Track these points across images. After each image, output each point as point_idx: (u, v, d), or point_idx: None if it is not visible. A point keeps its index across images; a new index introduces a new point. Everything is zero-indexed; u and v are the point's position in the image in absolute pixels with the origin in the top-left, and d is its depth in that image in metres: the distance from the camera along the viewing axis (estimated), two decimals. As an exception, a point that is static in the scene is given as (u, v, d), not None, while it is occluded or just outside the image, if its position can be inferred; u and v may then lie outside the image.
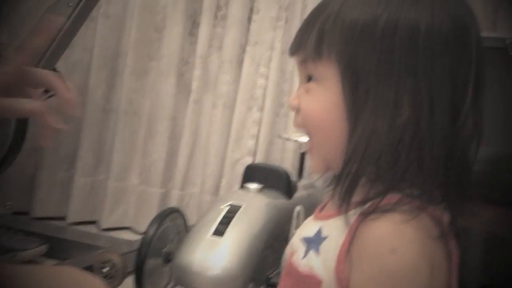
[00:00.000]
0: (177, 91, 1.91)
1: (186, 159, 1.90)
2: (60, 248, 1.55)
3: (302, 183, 1.48)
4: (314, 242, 0.48)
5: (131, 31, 1.89)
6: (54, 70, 1.58)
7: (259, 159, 1.85)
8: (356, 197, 0.46)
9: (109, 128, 1.93)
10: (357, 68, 0.45)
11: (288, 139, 1.62)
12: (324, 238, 0.48)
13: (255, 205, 1.13)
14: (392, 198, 0.44)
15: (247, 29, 1.88)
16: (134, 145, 1.93)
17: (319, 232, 0.49)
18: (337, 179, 0.48)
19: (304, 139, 1.67)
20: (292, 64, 1.86)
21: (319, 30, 0.47)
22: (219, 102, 1.88)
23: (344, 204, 0.46)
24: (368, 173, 0.45)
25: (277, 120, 1.89)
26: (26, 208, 1.88)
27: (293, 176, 1.42)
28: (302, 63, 0.50)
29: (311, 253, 0.48)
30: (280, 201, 1.24)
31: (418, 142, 0.44)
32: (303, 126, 0.50)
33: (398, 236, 0.42)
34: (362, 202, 0.45)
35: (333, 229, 0.48)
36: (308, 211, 1.40)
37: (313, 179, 1.77)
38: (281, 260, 1.28)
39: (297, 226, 1.35)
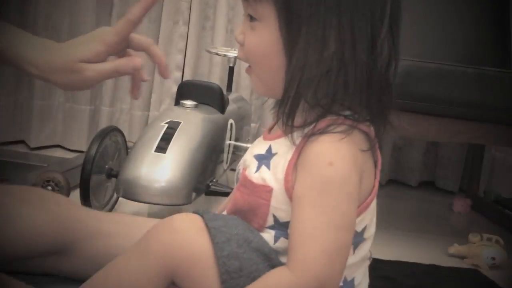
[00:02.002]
0: (98, 6, 1.84)
1: (113, 75, 1.88)
2: (-8, 170, 1.54)
3: (232, 97, 1.56)
4: (265, 158, 0.56)
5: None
6: None
7: (187, 74, 1.88)
8: (298, 121, 0.54)
9: (28, 44, 1.84)
10: (291, 8, 0.52)
11: (216, 54, 1.66)
12: (274, 154, 0.56)
13: (193, 121, 1.21)
14: (328, 120, 0.53)
15: None
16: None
17: (269, 149, 0.57)
18: (279, 104, 0.56)
19: (232, 53, 1.73)
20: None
21: None
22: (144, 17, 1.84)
23: (288, 125, 0.54)
24: (305, 99, 0.53)
25: (204, 33, 1.91)
26: None
27: (224, 89, 1.49)
28: (245, 1, 0.56)
29: (263, 167, 0.56)
30: (215, 115, 1.31)
31: (344, 69, 0.52)
32: (247, 59, 0.57)
33: (334, 151, 0.52)
34: (304, 125, 0.54)
35: (281, 146, 0.56)
36: (238, 122, 1.50)
37: (240, 93, 1.86)
38: (216, 169, 1.39)
39: (231, 137, 1.45)
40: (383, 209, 0.58)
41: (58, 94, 1.89)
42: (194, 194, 1.12)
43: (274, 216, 0.55)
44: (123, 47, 0.65)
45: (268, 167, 0.56)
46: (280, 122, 0.57)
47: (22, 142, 1.88)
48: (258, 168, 0.56)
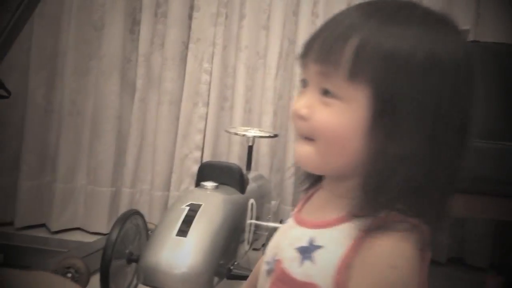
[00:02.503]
0: (121, 90, 1.91)
1: (135, 157, 1.92)
2: (12, 255, 1.54)
3: (251, 175, 1.56)
4: (308, 251, 0.50)
5: (69, 30, 1.87)
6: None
7: (207, 153, 1.91)
8: (354, 209, 0.49)
9: (53, 129, 1.91)
10: (392, 96, 0.47)
11: (235, 134, 1.68)
12: (319, 247, 0.50)
13: (213, 203, 1.20)
14: (391, 216, 0.48)
15: (188, 26, 1.91)
16: (79, 146, 1.92)
17: (311, 241, 0.51)
18: (351, 192, 0.50)
19: (251, 133, 1.75)
20: (234, 59, 1.92)
21: (356, 53, 0.48)
22: (165, 99, 1.91)
23: (365, 216, 0.48)
24: (386, 188, 0.48)
25: (222, 114, 1.95)
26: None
27: (243, 167, 1.50)
28: (320, 75, 0.50)
29: (307, 262, 0.50)
30: (235, 196, 1.31)
31: (436, 165, 0.48)
32: (311, 134, 0.51)
33: (399, 253, 0.47)
34: (360, 216, 0.49)
35: (329, 239, 0.50)
36: (259, 201, 1.49)
37: (259, 172, 1.86)
38: (238, 250, 1.36)
39: (252, 217, 1.43)
40: None
41: (80, 176, 1.92)
42: (216, 279, 1.09)
43: None
44: None
45: (312, 261, 0.50)
46: (321, 205, 0.54)
47: (43, 225, 1.89)
48: (302, 263, 0.51)
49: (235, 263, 1.22)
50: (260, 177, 1.70)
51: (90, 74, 1.91)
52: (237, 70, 1.92)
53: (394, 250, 0.48)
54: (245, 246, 1.36)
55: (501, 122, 1.25)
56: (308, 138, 0.51)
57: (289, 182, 1.93)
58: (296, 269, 0.51)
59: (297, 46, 1.86)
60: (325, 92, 0.50)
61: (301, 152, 0.52)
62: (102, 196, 1.90)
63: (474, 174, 1.20)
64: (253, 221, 1.42)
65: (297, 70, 1.88)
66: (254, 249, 1.49)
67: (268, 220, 1.55)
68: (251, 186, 1.45)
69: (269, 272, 0.55)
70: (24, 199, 1.85)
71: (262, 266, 0.57)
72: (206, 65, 1.90)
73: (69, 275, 1.18)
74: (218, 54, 1.89)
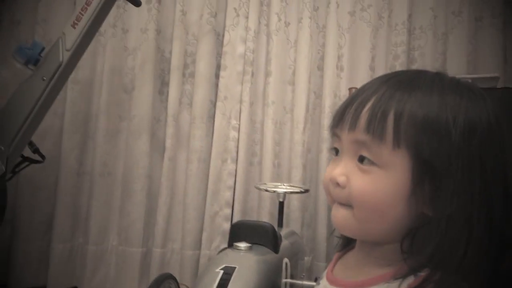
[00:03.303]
0: (151, 149, 1.94)
1: (165, 216, 1.91)
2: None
3: (283, 232, 1.53)
4: None
5: (101, 94, 1.93)
6: (31, 142, 1.59)
7: (237, 210, 1.89)
8: (391, 270, 0.49)
9: (84, 191, 1.93)
10: (434, 161, 0.48)
11: (266, 190, 1.67)
12: None
13: (247, 265, 1.17)
14: (430, 276, 0.47)
15: (215, 85, 1.95)
16: (111, 206, 1.93)
17: None
18: (391, 254, 0.50)
19: (281, 189, 1.73)
20: (261, 114, 1.94)
21: (396, 122, 0.49)
22: (194, 157, 1.92)
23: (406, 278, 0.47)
24: (407, 250, 0.48)
25: (251, 169, 1.95)
26: (4, 281, 1.83)
27: (274, 224, 1.47)
28: (357, 143, 0.51)
29: None
30: (269, 256, 1.28)
31: (487, 230, 0.47)
32: (347, 201, 0.51)
33: None
34: (397, 276, 0.48)
35: None
36: (292, 259, 1.45)
37: (291, 227, 1.83)
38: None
39: (286, 276, 1.39)
40: None
41: (111, 237, 1.92)
42: None
43: None
44: None
45: None
46: (357, 264, 0.53)
47: (75, 288, 1.88)
48: None
49: (272, 326, 1.18)
50: (292, 233, 1.66)
51: (121, 135, 1.95)
52: (265, 125, 1.93)
53: None
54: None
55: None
56: (346, 205, 0.51)
57: (322, 238, 1.88)
58: None
59: (323, 99, 1.87)
60: (362, 159, 0.50)
61: (339, 217, 0.52)
62: (133, 256, 1.89)
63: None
64: (288, 280, 1.38)
65: (325, 123, 1.88)
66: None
67: (302, 278, 1.50)
68: (284, 244, 1.42)
69: None
70: (57, 262, 1.85)
71: None
72: (234, 122, 1.92)
73: None
74: (245, 111, 1.91)
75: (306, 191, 1.70)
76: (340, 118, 0.53)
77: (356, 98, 0.53)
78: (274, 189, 1.64)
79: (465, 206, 0.47)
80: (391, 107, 0.49)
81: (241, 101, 1.92)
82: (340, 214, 0.52)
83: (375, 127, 0.49)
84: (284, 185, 1.69)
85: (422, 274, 0.47)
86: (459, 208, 0.47)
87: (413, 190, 0.48)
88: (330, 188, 0.53)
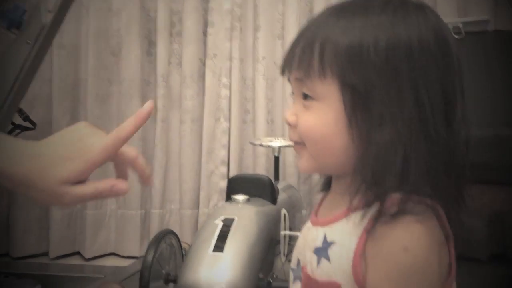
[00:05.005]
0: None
1: (161, 177, 1.92)
2: (50, 285, 1.54)
3: (281, 186, 1.54)
4: (322, 250, 0.50)
5: (88, 58, 1.89)
6: (20, 110, 1.57)
7: (233, 168, 1.89)
8: (358, 200, 0.49)
9: (79, 157, 1.92)
10: (360, 87, 0.48)
11: (261, 145, 1.67)
12: (331, 244, 0.50)
13: (247, 216, 1.18)
14: (398, 199, 0.47)
15: (204, 43, 1.92)
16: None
17: (325, 239, 0.51)
18: (352, 185, 0.50)
19: (276, 143, 1.73)
20: (252, 71, 1.92)
21: (321, 52, 0.50)
22: (187, 117, 1.91)
23: (365, 206, 0.48)
24: (380, 178, 0.48)
25: (245, 127, 1.95)
26: (5, 250, 1.84)
27: (273, 181, 1.48)
28: (298, 81, 0.52)
29: (323, 261, 0.50)
30: (268, 207, 1.29)
31: (422, 149, 0.47)
32: (300, 140, 0.52)
33: (409, 236, 0.46)
34: (366, 205, 0.48)
35: (338, 234, 0.50)
36: (290, 211, 1.46)
37: (288, 181, 1.84)
38: (275, 263, 1.34)
39: (285, 227, 1.41)
40: None
41: (109, 202, 1.93)
42: (256, 293, 1.07)
43: None
44: (110, 160, 0.59)
45: (329, 259, 0.50)
46: (330, 203, 0.54)
47: (77, 253, 1.89)
48: (319, 263, 0.50)
49: (274, 275, 1.20)
50: (289, 186, 1.67)
51: (112, 99, 1.93)
52: (256, 82, 1.91)
53: (406, 232, 0.46)
54: (282, 258, 1.34)
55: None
56: (301, 143, 0.53)
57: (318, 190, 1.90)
58: (317, 270, 0.51)
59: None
60: (305, 97, 0.52)
61: (299, 157, 0.53)
62: (132, 219, 1.91)
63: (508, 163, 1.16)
64: (288, 232, 1.39)
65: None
66: (290, 261, 1.46)
67: (301, 231, 1.52)
68: (281, 197, 1.43)
69: (296, 279, 0.54)
70: (57, 229, 1.86)
71: (290, 274, 0.56)
72: (224, 80, 1.90)
73: (108, 300, 1.18)
74: (236, 68, 1.89)
75: (301, 144, 1.70)
76: (287, 58, 0.53)
77: (298, 37, 0.53)
78: (269, 144, 1.64)
79: (400, 129, 0.48)
80: (317, 39, 0.50)
81: (230, 58, 1.89)
82: (299, 155, 0.53)
83: (304, 61, 0.50)
84: (278, 139, 1.69)
85: (388, 201, 0.47)
86: (397, 131, 0.48)
87: (350, 118, 0.49)
88: (289, 130, 0.54)
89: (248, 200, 1.25)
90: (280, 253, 1.32)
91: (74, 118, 1.92)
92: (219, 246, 1.07)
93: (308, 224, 0.56)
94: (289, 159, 1.90)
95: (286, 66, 0.53)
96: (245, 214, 1.19)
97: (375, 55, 0.48)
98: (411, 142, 0.48)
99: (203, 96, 1.92)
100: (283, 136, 1.88)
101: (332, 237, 0.50)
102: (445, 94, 0.49)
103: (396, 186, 0.48)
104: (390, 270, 0.46)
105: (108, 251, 1.91)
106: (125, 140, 0.56)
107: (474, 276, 1.80)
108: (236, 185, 1.31)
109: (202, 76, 1.92)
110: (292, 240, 1.43)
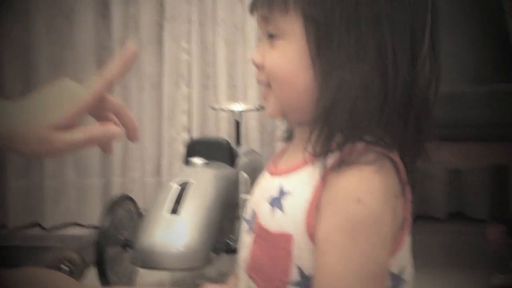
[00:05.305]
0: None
1: (122, 145, 1.88)
2: (8, 256, 1.51)
3: (241, 150, 1.53)
4: (277, 200, 0.49)
5: (39, 21, 1.81)
6: None
7: (195, 134, 1.87)
8: (316, 148, 0.48)
9: (34, 126, 1.86)
10: (322, 22, 0.47)
11: (221, 109, 1.65)
12: (286, 194, 0.49)
13: (204, 179, 1.17)
14: (355, 148, 0.46)
15: (161, 5, 1.86)
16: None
17: (281, 189, 0.49)
18: (312, 131, 0.49)
19: (237, 107, 1.71)
20: (212, 35, 1.87)
21: None
22: (146, 83, 1.86)
23: (321, 153, 0.47)
24: (340, 123, 0.47)
25: (206, 92, 1.91)
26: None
27: (232, 144, 1.47)
28: (264, 20, 0.51)
29: (277, 211, 0.49)
30: (226, 170, 1.28)
31: (384, 89, 0.46)
32: (267, 81, 0.51)
33: (363, 186, 0.45)
34: (324, 154, 0.47)
35: (294, 184, 0.49)
36: (251, 175, 1.46)
37: (250, 146, 1.83)
38: (235, 225, 1.34)
39: (246, 191, 1.41)
40: (414, 247, 0.51)
41: (69, 171, 1.89)
42: (212, 255, 1.07)
43: (299, 269, 0.47)
44: (96, 108, 0.55)
45: (282, 210, 0.48)
46: (289, 154, 0.52)
47: (38, 224, 1.85)
48: (272, 213, 0.49)
49: (233, 237, 1.20)
50: (251, 151, 1.66)
51: (66, 65, 1.86)
52: (217, 46, 1.87)
53: (359, 183, 0.45)
54: (242, 222, 1.34)
55: (486, 64, 1.22)
56: (268, 85, 0.52)
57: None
58: (270, 221, 0.49)
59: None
60: (270, 36, 0.51)
61: (268, 103, 0.52)
62: (93, 188, 1.87)
63: (463, 119, 1.18)
64: (248, 195, 1.39)
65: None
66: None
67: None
68: (242, 160, 1.42)
69: (250, 230, 0.53)
70: (15, 199, 1.82)
71: (243, 224, 0.55)
72: (184, 44, 1.85)
73: (65, 268, 1.16)
74: (195, 32, 1.84)
75: (262, 108, 1.68)
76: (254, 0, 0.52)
77: None
78: (230, 108, 1.62)
79: (360, 70, 0.46)
80: None
81: (190, 21, 1.84)
82: (266, 100, 0.52)
83: None
84: (239, 104, 1.67)
85: (345, 149, 0.46)
86: (359, 70, 0.46)
87: (313, 55, 0.48)
88: (257, 73, 0.53)
89: (206, 163, 1.24)
90: (241, 217, 1.32)
91: (27, 85, 1.85)
92: (175, 208, 1.06)
93: (266, 174, 0.54)
94: (251, 124, 1.88)
95: (253, 5, 0.52)
96: (203, 177, 1.18)
97: None
98: (370, 83, 0.46)
99: (162, 61, 1.87)
100: (245, 100, 1.86)
101: (288, 187, 0.49)
102: (413, 36, 0.48)
103: (348, 128, 0.46)
104: (342, 220, 0.45)
105: (69, 221, 1.88)
106: (113, 82, 0.54)
107: (433, 233, 1.86)
108: (194, 148, 1.30)
109: (160, 41, 1.87)
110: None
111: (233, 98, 1.89)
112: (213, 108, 1.71)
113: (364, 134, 0.47)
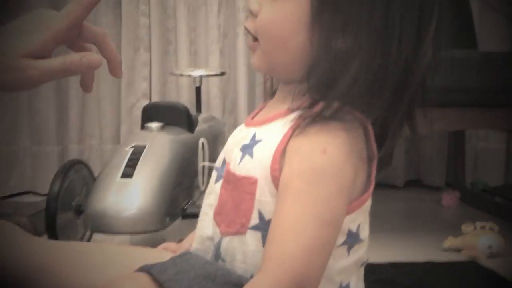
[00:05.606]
0: (55, 41, 1.79)
1: (79, 111, 1.83)
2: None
3: (201, 117, 1.50)
4: (248, 147, 0.50)
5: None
6: None
7: (155, 101, 1.83)
8: (294, 103, 0.49)
9: (-15, 90, 1.78)
10: None
11: (181, 75, 1.61)
12: (258, 142, 0.50)
13: (159, 143, 1.15)
14: (330, 105, 0.47)
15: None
16: (17, 105, 1.81)
17: (253, 137, 0.51)
18: (294, 91, 0.49)
19: (197, 73, 1.68)
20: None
21: None
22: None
23: (297, 109, 0.48)
24: (310, 81, 0.47)
25: (167, 58, 1.87)
26: None
27: (193, 111, 1.44)
28: None
29: (246, 157, 0.50)
30: (183, 135, 1.26)
31: (384, 66, 0.47)
32: (255, 31, 0.51)
33: (331, 140, 0.46)
34: (301, 108, 0.48)
35: (267, 133, 0.50)
36: (211, 142, 1.44)
37: (211, 112, 1.81)
38: (193, 191, 1.32)
39: (204, 158, 1.39)
40: (372, 212, 0.52)
41: (23, 137, 1.82)
42: (167, 219, 1.05)
43: (260, 213, 0.49)
44: (74, 36, 0.53)
45: (251, 155, 0.50)
46: (268, 107, 0.53)
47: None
48: (242, 159, 0.50)
49: (190, 202, 1.19)
50: (211, 118, 1.64)
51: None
52: (177, 10, 1.82)
53: (327, 136, 0.47)
54: (200, 187, 1.32)
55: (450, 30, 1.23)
56: (255, 38, 0.51)
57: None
58: (238, 166, 0.51)
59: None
60: None
61: (253, 57, 0.52)
62: (49, 155, 1.82)
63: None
64: (207, 163, 1.38)
65: (240, 5, 1.80)
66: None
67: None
68: (201, 127, 1.40)
69: (219, 178, 0.54)
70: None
71: (213, 175, 0.56)
72: (143, 7, 1.80)
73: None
74: (155, -7, 1.78)
75: (222, 74, 1.66)
76: None
77: None
78: (189, 73, 1.58)
79: (362, 41, 0.46)
80: None
81: (148, -17, 1.78)
82: (252, 51, 0.52)
83: None
84: (200, 70, 1.64)
85: (320, 106, 0.47)
86: (357, 40, 0.47)
87: (314, 19, 0.48)
88: (246, 23, 0.52)
89: (162, 127, 1.21)
90: (199, 183, 1.31)
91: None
92: (128, 173, 1.03)
93: (241, 126, 0.55)
94: (213, 91, 1.86)
95: None
96: (158, 141, 1.16)
97: None
98: (369, 56, 0.46)
99: (120, 24, 1.80)
100: (206, 68, 1.83)
101: (260, 136, 0.50)
102: (421, 17, 0.48)
103: (340, 96, 0.47)
104: (305, 168, 0.46)
105: (24, 189, 1.83)
106: (90, 7, 0.52)
107: (391, 200, 1.91)
108: (151, 113, 1.27)
109: (118, 3, 1.80)
110: (212, 171, 1.42)
111: (195, 64, 1.86)
112: (173, 74, 1.67)
113: (348, 101, 0.47)
